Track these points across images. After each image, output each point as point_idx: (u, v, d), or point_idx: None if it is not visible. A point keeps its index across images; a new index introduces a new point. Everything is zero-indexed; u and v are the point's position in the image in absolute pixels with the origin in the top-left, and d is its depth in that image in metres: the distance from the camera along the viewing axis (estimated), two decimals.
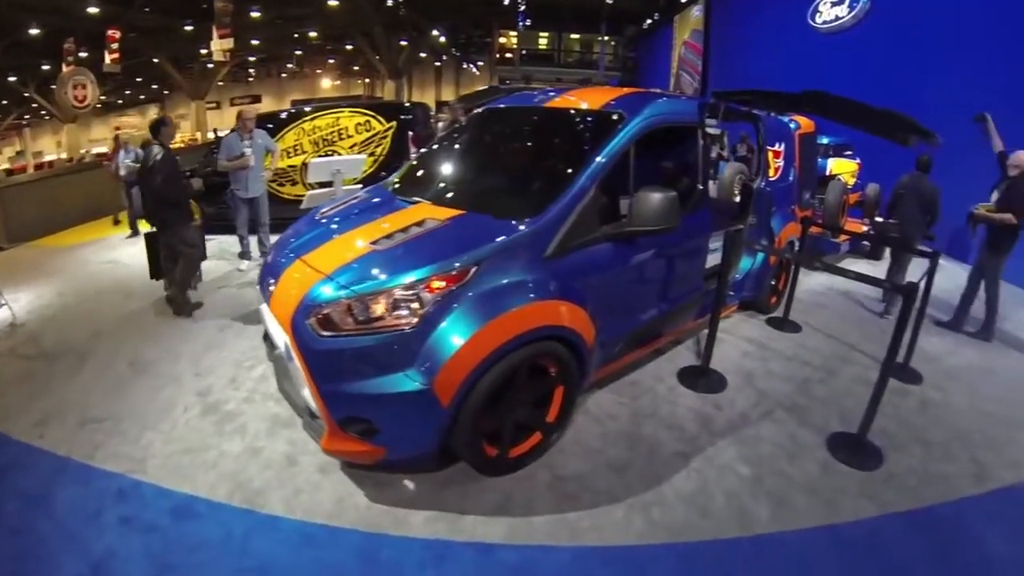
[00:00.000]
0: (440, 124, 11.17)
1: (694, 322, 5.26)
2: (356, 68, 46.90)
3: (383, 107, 10.59)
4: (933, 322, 6.43)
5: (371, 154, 9.76)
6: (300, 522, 3.29)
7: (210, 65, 32.14)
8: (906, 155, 5.86)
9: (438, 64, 45.37)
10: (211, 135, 29.60)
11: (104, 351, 5.49)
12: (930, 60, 10.60)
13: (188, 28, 26.51)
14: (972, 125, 6.47)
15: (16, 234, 10.67)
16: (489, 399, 3.32)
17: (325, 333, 3.15)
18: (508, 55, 36.92)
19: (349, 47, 38.52)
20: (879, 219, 8.81)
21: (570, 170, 3.89)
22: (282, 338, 3.44)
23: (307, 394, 3.33)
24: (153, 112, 47.60)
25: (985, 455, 4.15)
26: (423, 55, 41.83)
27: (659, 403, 4.57)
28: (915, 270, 6.54)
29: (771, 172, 6.38)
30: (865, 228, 9.29)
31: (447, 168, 4.94)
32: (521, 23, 32.20)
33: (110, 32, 22.88)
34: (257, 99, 46.74)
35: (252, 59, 41.36)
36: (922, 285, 4.79)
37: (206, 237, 7.44)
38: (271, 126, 9.55)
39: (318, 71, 49.25)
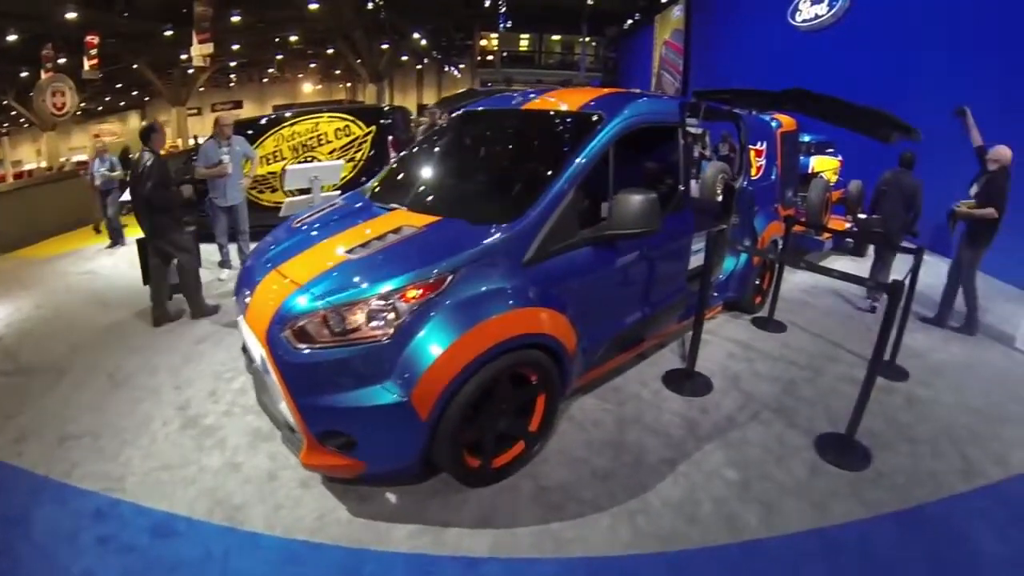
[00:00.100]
0: (420, 128, 11.10)
1: (678, 324, 5.22)
2: (338, 72, 46.75)
3: (362, 112, 10.51)
4: (918, 318, 6.45)
5: (350, 159, 9.68)
6: (281, 539, 3.21)
7: (191, 71, 31.85)
8: (887, 151, 5.85)
9: (419, 67, 45.18)
10: (192, 142, 29.35)
11: (82, 365, 5.40)
12: (909, 57, 10.66)
13: (168, 33, 26.18)
14: (951, 121, 6.46)
15: None
16: (469, 410, 3.26)
17: (301, 345, 3.08)
18: (489, 57, 36.99)
19: (330, 51, 38.36)
20: (862, 216, 8.83)
21: (548, 173, 3.83)
22: (258, 351, 3.37)
23: (284, 408, 3.26)
24: (134, 119, 47.32)
25: (972, 451, 4.15)
26: (404, 58, 41.70)
27: (644, 408, 4.51)
28: (900, 266, 6.65)
29: (753, 171, 6.36)
30: (848, 225, 9.31)
31: (424, 173, 4.88)
32: (502, 25, 32.24)
33: (89, 38, 22.57)
34: (239, 104, 46.37)
35: (233, 64, 41.03)
36: (906, 283, 4.79)
37: None
38: (252, 132, 9.51)
39: (299, 75, 49.06)
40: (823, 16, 13.27)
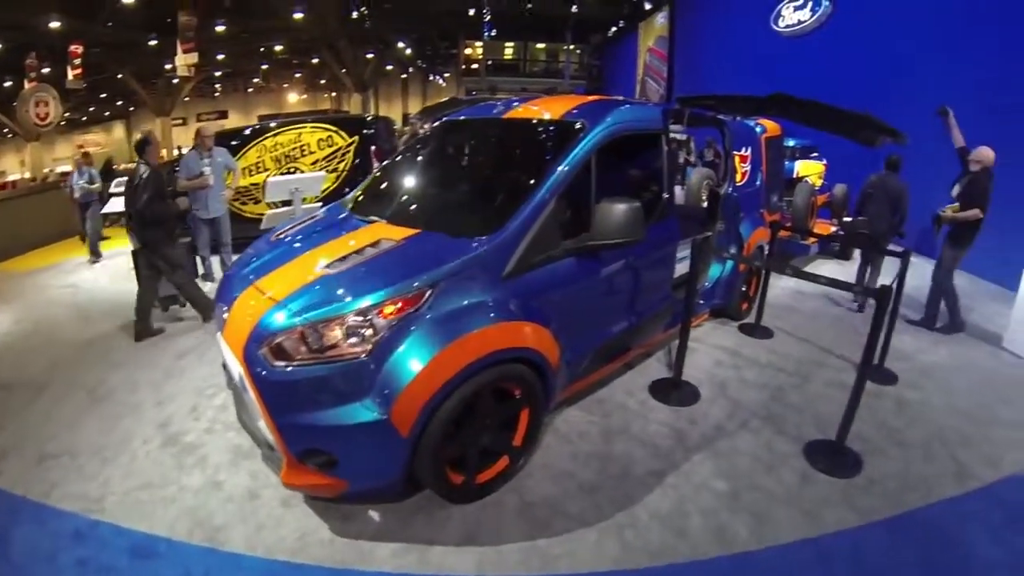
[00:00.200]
0: (403, 138, 11.04)
1: (664, 333, 5.18)
2: (323, 82, 46.66)
3: (345, 122, 10.43)
4: (905, 320, 6.44)
5: (333, 170, 9.61)
6: (263, 559, 3.14)
7: (175, 81, 31.66)
8: (871, 154, 5.86)
9: (404, 76, 45.19)
10: (176, 152, 29.21)
11: (62, 381, 5.32)
12: (892, 61, 10.70)
13: (152, 43, 26.12)
14: (934, 124, 6.48)
15: None
16: (451, 426, 3.20)
17: (278, 363, 3.01)
18: (474, 66, 37.05)
19: (315, 61, 38.30)
20: (847, 219, 8.85)
21: (529, 184, 3.77)
22: (236, 368, 3.29)
23: (264, 426, 3.19)
24: (119, 129, 47.11)
25: (964, 453, 4.13)
26: (389, 68, 41.74)
27: (631, 419, 4.45)
28: (888, 267, 6.68)
29: (738, 177, 6.34)
30: (834, 229, 9.32)
31: (404, 185, 4.81)
32: (487, 33, 32.31)
33: (73, 47, 22.48)
34: (224, 114, 46.20)
35: (218, 74, 40.92)
36: (894, 287, 4.78)
37: None
38: (236, 143, 9.47)
39: (285, 85, 48.95)
40: (806, 22, 13.33)
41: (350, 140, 9.71)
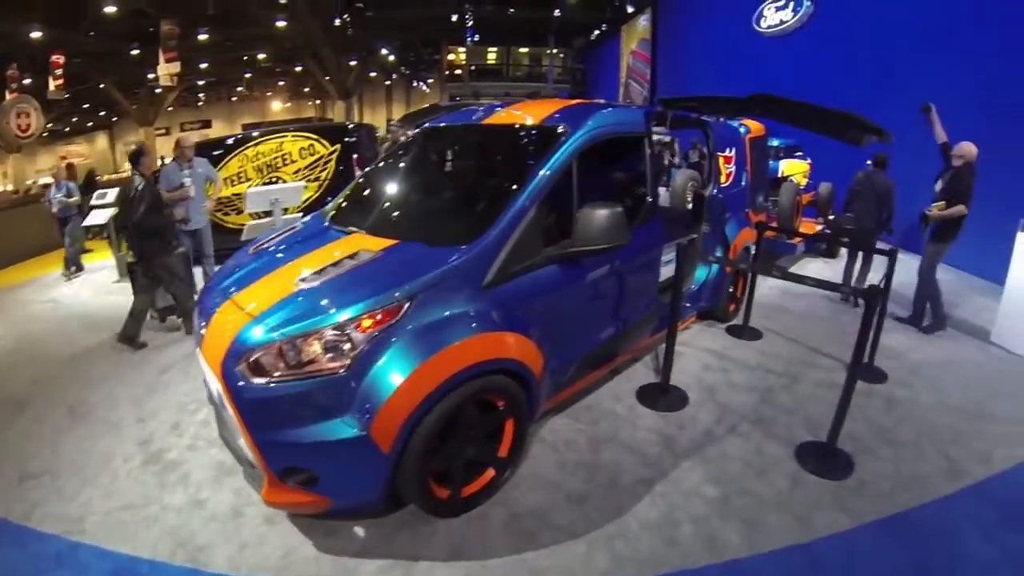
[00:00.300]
0: (384, 146, 10.97)
1: (651, 338, 5.12)
2: (306, 90, 46.54)
3: (327, 130, 10.33)
4: (893, 318, 6.43)
5: (315, 179, 9.53)
6: None
7: (158, 90, 31.50)
8: (855, 153, 5.84)
9: (388, 83, 45.17)
10: (159, 162, 29.02)
11: (43, 398, 5.24)
12: (874, 60, 10.76)
13: (135, 52, 25.92)
14: (918, 121, 6.48)
15: None
16: (434, 440, 3.14)
17: (256, 380, 2.94)
18: (457, 71, 37.14)
19: (299, 69, 38.22)
20: (831, 217, 8.86)
21: (509, 190, 3.72)
22: (214, 385, 3.23)
23: (243, 443, 3.12)
24: (102, 139, 46.74)
25: (955, 451, 4.12)
26: (373, 74, 41.67)
27: (619, 426, 4.40)
28: (877, 264, 6.77)
29: (723, 178, 6.31)
30: (819, 227, 9.33)
31: (382, 194, 4.75)
32: (469, 39, 32.34)
33: (54, 57, 22.21)
34: (207, 124, 46.00)
35: (201, 83, 40.69)
36: (882, 285, 4.77)
37: None
38: (219, 152, 9.38)
39: (268, 93, 48.78)
40: (788, 22, 13.39)
41: (332, 148, 9.63)
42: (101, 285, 9.35)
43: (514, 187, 3.71)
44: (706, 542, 3.27)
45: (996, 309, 6.15)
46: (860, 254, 7.14)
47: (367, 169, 5.41)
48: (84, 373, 5.73)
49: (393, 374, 2.96)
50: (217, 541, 3.33)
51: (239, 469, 3.83)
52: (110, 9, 20.05)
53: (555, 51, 34.61)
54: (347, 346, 2.96)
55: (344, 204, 4.70)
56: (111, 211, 10.25)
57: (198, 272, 7.94)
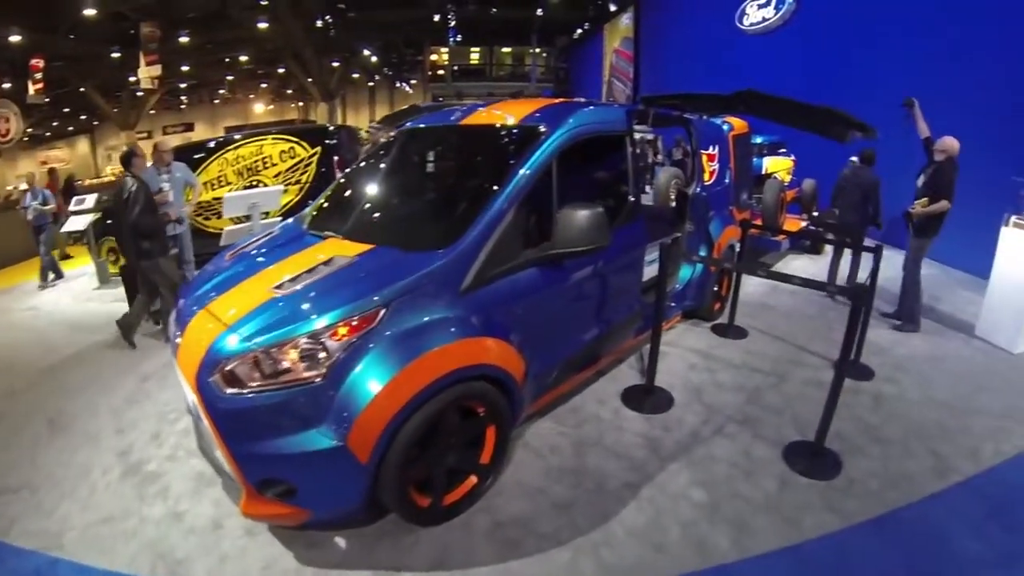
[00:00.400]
0: (364, 148, 10.87)
1: (635, 339, 5.07)
2: (289, 92, 46.27)
3: (307, 132, 10.22)
4: (879, 313, 6.44)
5: (296, 182, 9.41)
6: None
7: (140, 93, 31.18)
8: (839, 149, 5.84)
9: (371, 84, 44.95)
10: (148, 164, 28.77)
11: (22, 408, 5.18)
12: (857, 56, 10.79)
13: (115, 55, 25.67)
14: (902, 121, 6.47)
15: None
16: (414, 448, 3.07)
17: (230, 390, 2.88)
18: (440, 72, 37.07)
19: (281, 70, 37.98)
20: (815, 213, 8.87)
21: (487, 192, 3.66)
22: (190, 396, 3.16)
23: (220, 455, 3.04)
24: (83, 144, 46.33)
25: (943, 447, 4.12)
26: (356, 76, 41.50)
27: (604, 429, 4.34)
28: (864, 259, 6.71)
29: (706, 175, 6.27)
30: (804, 224, 9.34)
31: (358, 198, 4.66)
32: (452, 39, 32.31)
33: (33, 61, 21.92)
34: (190, 127, 45.71)
35: (183, 86, 40.38)
36: (868, 282, 4.75)
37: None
38: (201, 155, 9.31)
39: (251, 96, 48.43)
40: (770, 19, 13.42)
41: (312, 151, 9.50)
42: (81, 292, 9.27)
43: (492, 189, 3.65)
44: (695, 547, 3.22)
45: (980, 303, 6.17)
46: (849, 251, 7.13)
47: (344, 173, 5.33)
48: (64, 382, 5.67)
49: (370, 383, 2.90)
50: (196, 554, 3.27)
51: (219, 480, 3.78)
52: (90, 12, 19.76)
53: (538, 50, 34.78)
54: (322, 355, 2.90)
55: (321, 208, 4.63)
56: (90, 217, 10.15)
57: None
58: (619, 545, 3.24)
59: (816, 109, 4.67)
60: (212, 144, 9.71)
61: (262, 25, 26.26)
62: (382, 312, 3.04)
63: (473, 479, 3.53)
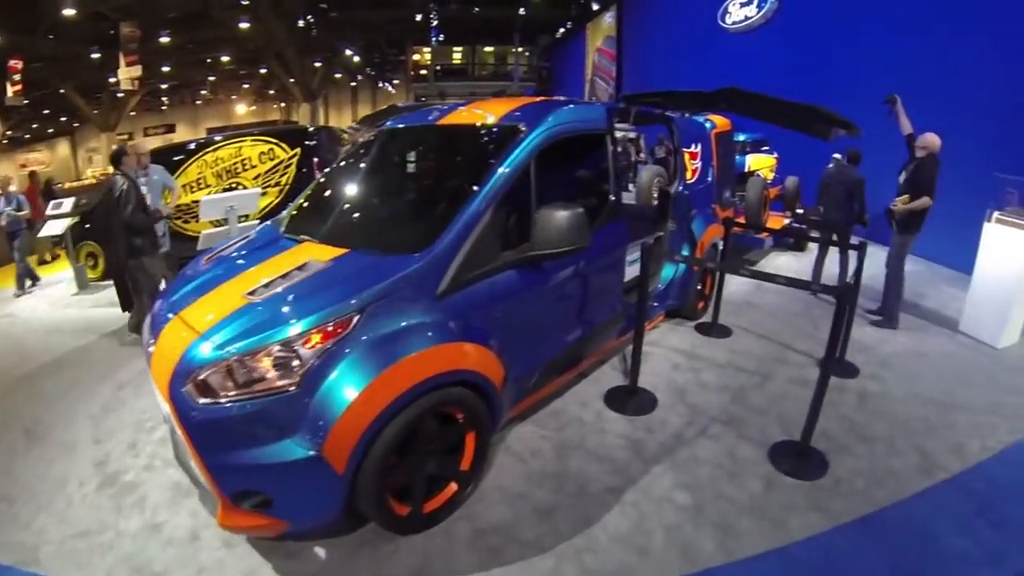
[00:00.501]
0: (344, 149, 10.79)
1: (617, 340, 5.03)
2: (271, 92, 46.02)
3: (286, 133, 10.10)
4: (863, 311, 6.44)
5: (276, 184, 9.30)
6: None
7: (120, 95, 30.94)
8: (822, 146, 5.81)
9: (354, 84, 44.78)
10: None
11: None
12: (839, 53, 10.82)
13: (95, 56, 25.43)
14: (885, 118, 6.47)
15: None
16: (391, 456, 3.01)
17: (203, 400, 2.80)
18: (423, 71, 37.14)
19: (263, 71, 37.82)
20: (799, 210, 8.87)
21: (463, 194, 3.59)
22: (164, 406, 3.08)
23: (195, 466, 2.96)
24: (64, 146, 45.91)
25: (929, 444, 4.11)
26: (338, 76, 41.40)
27: (586, 432, 4.29)
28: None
29: (689, 174, 6.23)
30: (787, 221, 9.34)
31: (335, 201, 4.58)
32: (434, 39, 32.28)
33: (12, 62, 21.67)
34: (171, 128, 45.40)
35: (164, 87, 40.12)
36: (852, 280, 4.74)
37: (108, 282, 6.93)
38: (181, 156, 9.22)
39: (233, 97, 48.18)
40: (753, 17, 13.45)
41: (292, 152, 9.39)
42: (59, 298, 9.12)
43: (470, 190, 3.59)
44: (679, 551, 3.18)
45: (964, 299, 6.18)
46: (836, 249, 7.15)
47: (321, 175, 5.25)
48: (41, 391, 5.58)
49: (345, 391, 2.83)
50: (174, 567, 3.21)
51: (196, 490, 3.66)
52: (69, 12, 19.54)
53: (520, 50, 34.90)
54: (296, 363, 2.83)
55: (298, 211, 4.55)
56: (68, 221, 9.99)
57: None
58: (602, 551, 3.19)
59: (799, 106, 4.65)
60: (192, 146, 9.60)
61: (243, 25, 26.16)
62: (356, 318, 2.97)
63: (453, 486, 3.47)
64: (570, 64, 31.03)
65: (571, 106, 4.48)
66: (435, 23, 30.86)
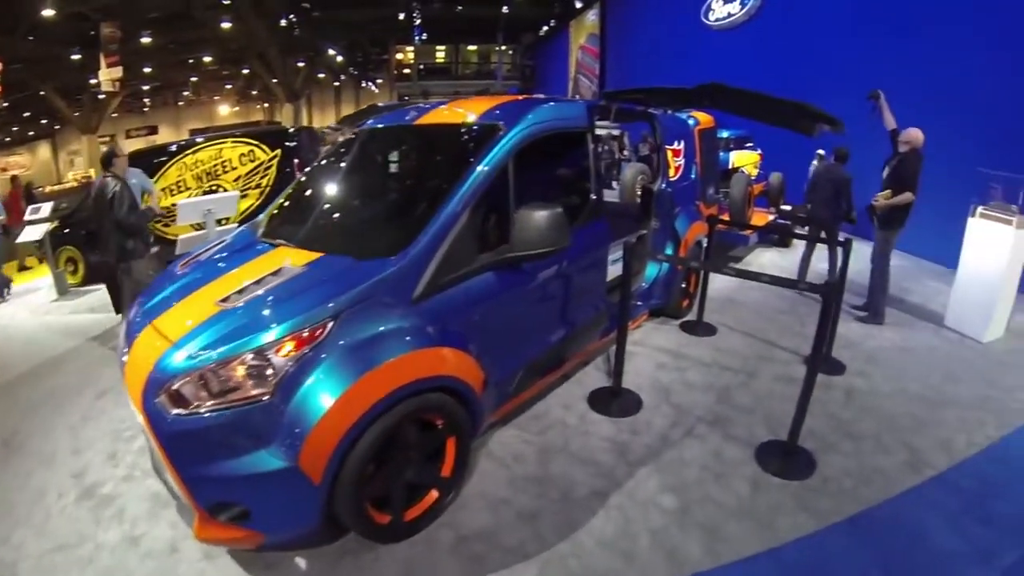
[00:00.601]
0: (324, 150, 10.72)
1: (600, 340, 4.97)
2: (254, 93, 45.74)
3: (266, 135, 9.99)
4: (849, 306, 6.44)
5: (257, 186, 9.20)
6: None
7: (101, 96, 30.67)
8: (806, 142, 5.80)
9: (337, 84, 44.66)
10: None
11: None
12: (822, 49, 10.87)
13: (75, 57, 25.18)
14: (869, 114, 6.47)
15: None
16: (369, 464, 2.94)
17: (176, 411, 2.72)
18: (406, 71, 37.14)
19: (245, 71, 37.61)
20: (785, 207, 8.87)
21: (440, 194, 3.52)
22: (137, 417, 2.99)
23: (171, 478, 2.89)
24: (44, 149, 45.53)
25: (917, 440, 4.10)
26: (321, 75, 41.28)
27: (569, 435, 4.22)
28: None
29: (672, 171, 6.19)
30: (771, 217, 9.34)
31: (311, 203, 4.49)
32: (417, 38, 32.22)
33: None
34: (154, 130, 45.06)
35: (146, 88, 39.83)
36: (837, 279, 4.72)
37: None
38: (163, 158, 9.14)
39: (216, 97, 47.92)
40: (736, 14, 13.54)
41: (272, 154, 9.29)
42: (39, 305, 8.97)
43: (444, 191, 3.52)
44: (665, 555, 3.14)
45: (949, 293, 6.20)
46: (826, 246, 7.19)
47: (298, 178, 5.17)
48: (18, 401, 5.48)
49: (320, 399, 2.77)
50: None
51: (175, 501, 3.59)
52: (49, 13, 19.31)
53: (504, 48, 34.85)
54: (269, 371, 2.76)
55: (275, 215, 4.47)
56: (46, 226, 9.84)
57: None
58: (587, 556, 3.14)
59: (783, 102, 4.62)
60: (173, 148, 9.49)
61: (225, 25, 26.04)
62: (330, 324, 2.91)
63: (434, 493, 3.40)
64: (554, 62, 31.12)
65: (551, 104, 4.41)
66: (418, 22, 30.77)
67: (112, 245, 5.98)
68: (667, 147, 6.09)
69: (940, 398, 4.66)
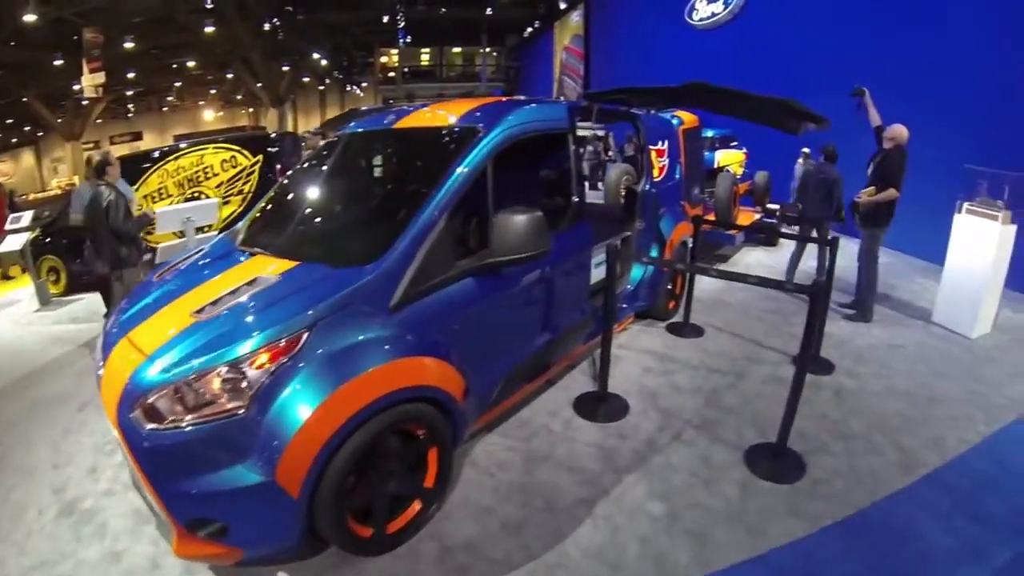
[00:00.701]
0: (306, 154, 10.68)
1: (585, 345, 4.91)
2: (239, 97, 45.54)
3: (247, 140, 9.93)
4: (837, 304, 6.43)
5: (239, 192, 9.13)
6: None
7: (84, 102, 30.46)
8: (791, 141, 5.78)
9: (322, 88, 44.54)
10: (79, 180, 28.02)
11: None
12: (805, 48, 10.93)
13: (58, 63, 24.98)
14: (854, 111, 6.46)
15: None
16: (349, 477, 2.88)
17: (151, 426, 2.66)
18: (391, 74, 37.23)
19: (230, 76, 37.42)
20: (772, 206, 8.88)
21: (417, 200, 3.45)
22: (113, 432, 2.93)
23: (148, 494, 2.82)
24: (28, 156, 45.15)
25: (907, 439, 4.09)
26: (306, 80, 41.13)
27: (555, 442, 4.16)
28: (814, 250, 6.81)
29: (656, 171, 6.14)
30: (757, 216, 9.36)
31: (288, 211, 4.43)
32: (402, 41, 32.22)
33: None
34: (138, 136, 44.80)
35: (130, 93, 39.57)
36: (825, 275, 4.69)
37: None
38: (147, 165, 9.07)
39: (200, 102, 47.65)
40: (719, 14, 13.64)
41: (254, 159, 9.23)
42: (20, 316, 8.80)
43: (421, 196, 3.46)
44: (654, 563, 3.08)
45: (936, 290, 6.21)
46: (815, 246, 7.22)
47: (276, 185, 5.09)
48: (0, 413, 5.36)
49: (296, 412, 2.70)
50: None
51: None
52: (30, 18, 19.12)
53: (488, 50, 34.94)
54: (244, 384, 2.70)
55: (252, 222, 4.39)
56: (27, 235, 9.71)
57: None
58: (574, 566, 3.08)
59: (768, 100, 4.59)
60: (156, 154, 9.41)
61: (209, 29, 25.89)
62: (306, 335, 2.84)
63: (417, 504, 3.34)
64: (538, 63, 31.15)
65: (532, 105, 4.36)
66: (402, 24, 30.84)
67: (107, 253, 5.94)
68: (651, 147, 6.04)
69: (930, 395, 4.65)
